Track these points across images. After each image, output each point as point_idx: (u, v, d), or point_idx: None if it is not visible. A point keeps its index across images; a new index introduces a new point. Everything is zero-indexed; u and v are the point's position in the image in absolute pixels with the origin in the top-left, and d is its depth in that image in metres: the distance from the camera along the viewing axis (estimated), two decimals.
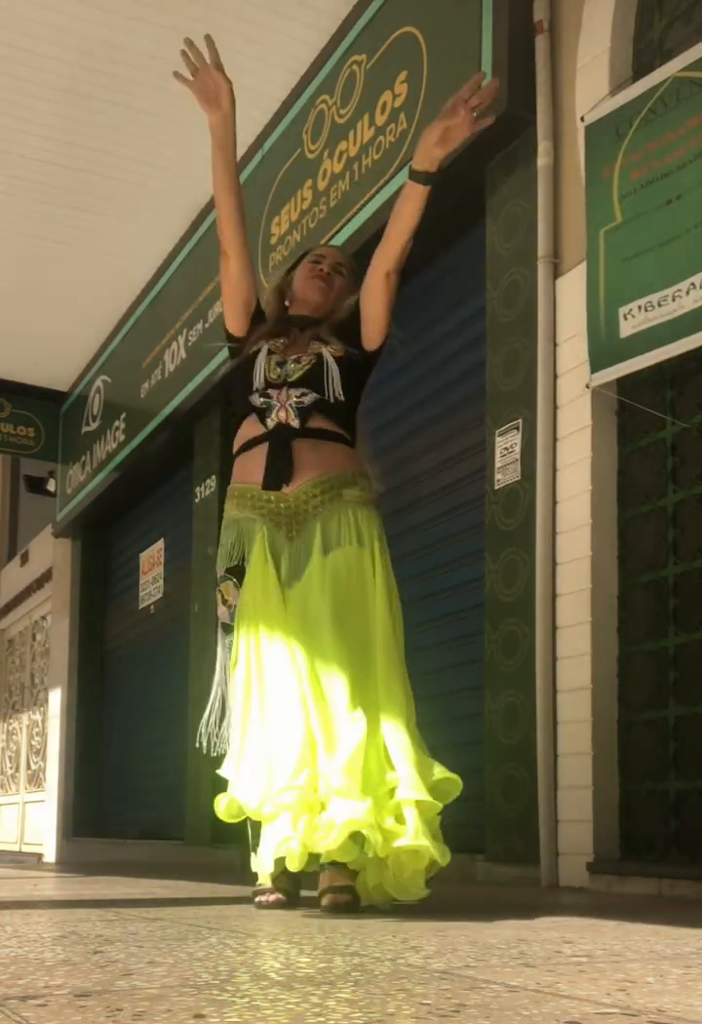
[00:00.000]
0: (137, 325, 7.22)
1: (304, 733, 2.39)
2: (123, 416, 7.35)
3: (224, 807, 2.49)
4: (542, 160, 3.67)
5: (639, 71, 3.45)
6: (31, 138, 5.50)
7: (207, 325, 6.03)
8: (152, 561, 7.54)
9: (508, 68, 3.70)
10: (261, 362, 2.70)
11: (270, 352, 2.72)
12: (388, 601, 2.61)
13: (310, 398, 2.65)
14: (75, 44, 4.86)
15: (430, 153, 2.63)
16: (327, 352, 2.70)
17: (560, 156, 3.66)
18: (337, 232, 4.66)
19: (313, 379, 2.67)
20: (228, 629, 2.72)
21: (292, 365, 2.69)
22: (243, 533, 2.67)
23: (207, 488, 6.18)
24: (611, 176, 3.34)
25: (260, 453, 2.67)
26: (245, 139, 5.59)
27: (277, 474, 2.63)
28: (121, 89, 5.17)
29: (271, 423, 2.65)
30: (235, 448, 2.77)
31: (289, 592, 2.58)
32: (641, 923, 2.04)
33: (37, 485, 9.07)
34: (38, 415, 8.74)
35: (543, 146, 3.67)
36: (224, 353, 5.72)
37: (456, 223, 4.37)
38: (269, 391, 2.67)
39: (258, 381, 2.69)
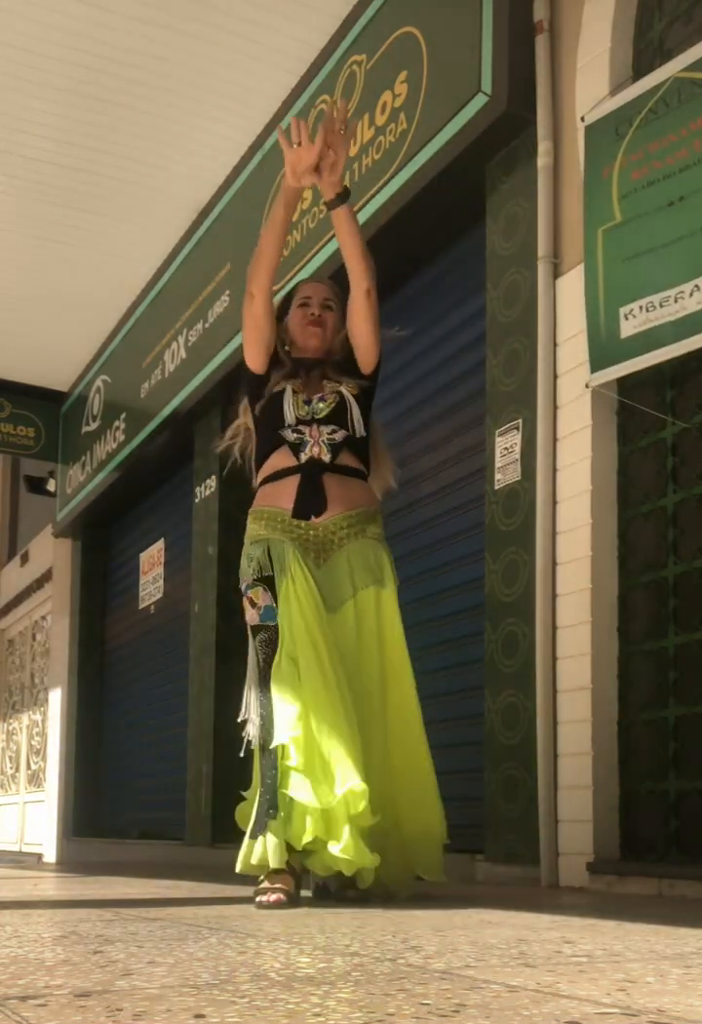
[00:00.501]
0: (137, 325, 7.22)
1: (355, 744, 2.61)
2: (123, 416, 7.35)
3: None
4: (542, 160, 3.67)
5: (639, 71, 3.45)
6: (31, 138, 5.50)
7: (207, 325, 6.03)
8: (152, 561, 7.54)
9: (508, 68, 3.70)
10: (288, 400, 2.89)
11: (294, 392, 2.92)
12: (403, 638, 2.87)
13: (341, 435, 2.88)
14: (75, 44, 4.86)
15: (325, 183, 2.92)
16: (346, 391, 2.92)
17: (560, 156, 3.66)
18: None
19: (339, 417, 2.89)
20: (256, 630, 2.83)
21: (318, 404, 2.90)
22: (273, 550, 2.83)
23: (207, 488, 6.18)
24: (611, 176, 3.34)
25: (291, 484, 2.86)
26: (245, 139, 5.59)
27: (308, 505, 2.84)
28: (121, 89, 5.17)
29: (304, 457, 2.86)
30: (262, 476, 2.95)
31: (325, 614, 2.77)
32: (641, 923, 2.04)
33: (37, 485, 9.07)
34: (38, 415, 8.74)
35: (543, 146, 3.67)
36: (224, 353, 5.76)
37: (456, 223, 4.38)
38: (300, 427, 2.87)
39: (289, 418, 2.88)
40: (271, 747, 2.65)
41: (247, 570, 2.88)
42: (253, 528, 2.92)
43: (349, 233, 2.92)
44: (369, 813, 2.52)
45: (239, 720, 2.85)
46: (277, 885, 2.60)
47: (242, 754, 2.83)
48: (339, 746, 2.57)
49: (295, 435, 2.86)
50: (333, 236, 4.65)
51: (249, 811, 2.76)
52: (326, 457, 2.85)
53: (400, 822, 2.77)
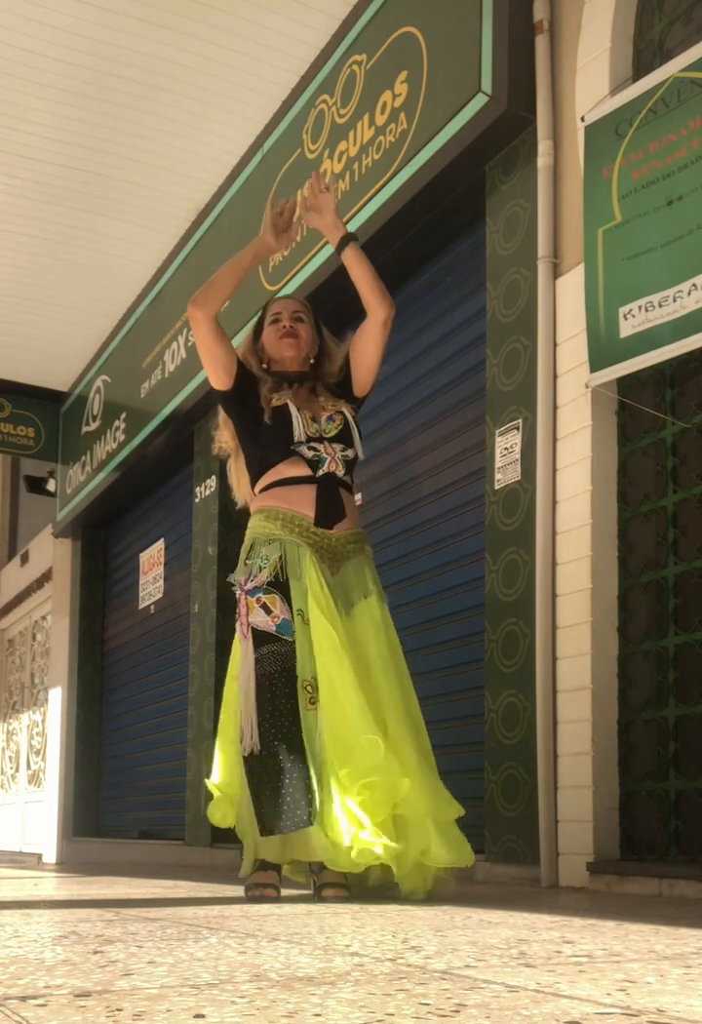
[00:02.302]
0: (137, 325, 7.22)
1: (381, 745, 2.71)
2: (123, 416, 7.35)
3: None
4: (542, 160, 3.67)
5: (639, 71, 3.45)
6: (31, 138, 5.50)
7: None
8: (152, 561, 7.54)
9: (508, 68, 3.70)
10: (296, 417, 2.99)
11: (299, 409, 3.01)
12: (404, 663, 2.98)
13: (351, 453, 3.03)
14: (75, 44, 4.86)
15: (326, 230, 3.14)
16: (347, 412, 3.04)
17: (560, 156, 3.66)
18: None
19: (345, 437, 3.03)
20: (264, 638, 2.85)
21: (327, 424, 3.01)
22: (289, 553, 2.91)
23: (207, 488, 6.18)
24: (610, 176, 3.34)
25: (307, 492, 2.96)
26: (245, 139, 5.59)
27: (329, 516, 2.95)
28: (121, 89, 5.17)
29: (322, 471, 2.97)
30: (268, 481, 3.02)
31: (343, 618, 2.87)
32: (641, 923, 2.04)
33: (37, 485, 9.06)
34: (38, 415, 8.74)
35: (543, 146, 3.67)
36: None
37: (456, 223, 4.38)
38: (315, 445, 2.98)
39: (300, 434, 2.97)
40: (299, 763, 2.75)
41: (259, 569, 2.90)
42: (267, 526, 2.95)
43: (360, 270, 3.07)
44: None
45: (245, 736, 2.86)
46: (270, 881, 2.77)
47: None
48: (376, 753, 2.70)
49: (312, 452, 2.97)
50: (324, 244, 4.66)
51: (231, 810, 2.89)
52: (341, 472, 3.00)
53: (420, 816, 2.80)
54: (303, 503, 2.94)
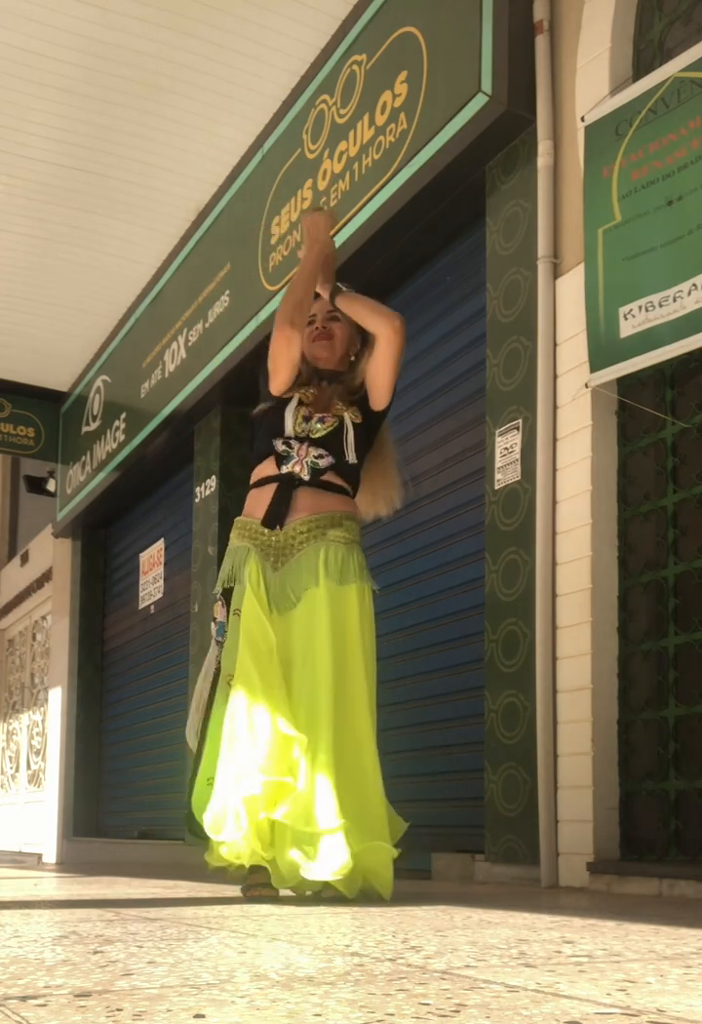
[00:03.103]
0: (137, 325, 7.22)
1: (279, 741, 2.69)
2: (123, 416, 7.35)
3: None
4: (542, 160, 3.67)
5: (639, 71, 3.45)
6: (31, 138, 5.50)
7: (207, 325, 6.03)
8: (152, 561, 7.54)
9: (508, 68, 3.70)
10: (290, 413, 2.98)
11: (300, 403, 3.00)
12: (361, 636, 2.85)
13: (326, 461, 2.96)
14: (75, 44, 4.86)
15: (326, 281, 3.12)
16: (348, 418, 3.00)
17: (560, 156, 3.66)
18: (337, 232, 4.66)
19: (332, 441, 2.97)
20: (216, 641, 2.99)
21: (317, 424, 2.98)
22: (237, 559, 2.96)
23: (207, 488, 6.18)
24: (610, 176, 3.34)
25: (268, 493, 2.96)
26: (245, 139, 5.59)
27: (274, 516, 2.93)
28: (121, 89, 5.17)
29: (284, 470, 2.94)
30: (252, 480, 3.05)
31: (275, 616, 2.86)
32: (641, 923, 2.04)
33: (37, 485, 9.06)
34: (38, 415, 8.74)
35: (543, 146, 3.67)
36: (224, 354, 5.76)
37: (456, 223, 4.38)
38: (291, 442, 2.96)
39: (288, 429, 2.97)
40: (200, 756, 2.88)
41: (218, 581, 3.03)
42: (231, 536, 3.06)
43: (355, 306, 3.08)
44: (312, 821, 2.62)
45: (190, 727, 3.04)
46: (265, 881, 2.76)
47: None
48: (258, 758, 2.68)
49: (283, 447, 2.95)
50: (333, 237, 4.66)
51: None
52: (305, 476, 2.94)
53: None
54: (259, 506, 2.97)
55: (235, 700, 2.76)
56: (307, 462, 2.94)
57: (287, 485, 2.94)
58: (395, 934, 1.85)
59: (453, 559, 4.36)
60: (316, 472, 2.94)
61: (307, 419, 2.98)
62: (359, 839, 2.62)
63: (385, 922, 2.10)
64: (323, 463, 2.95)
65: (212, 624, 3.03)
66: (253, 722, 2.70)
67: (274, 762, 2.66)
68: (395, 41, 4.38)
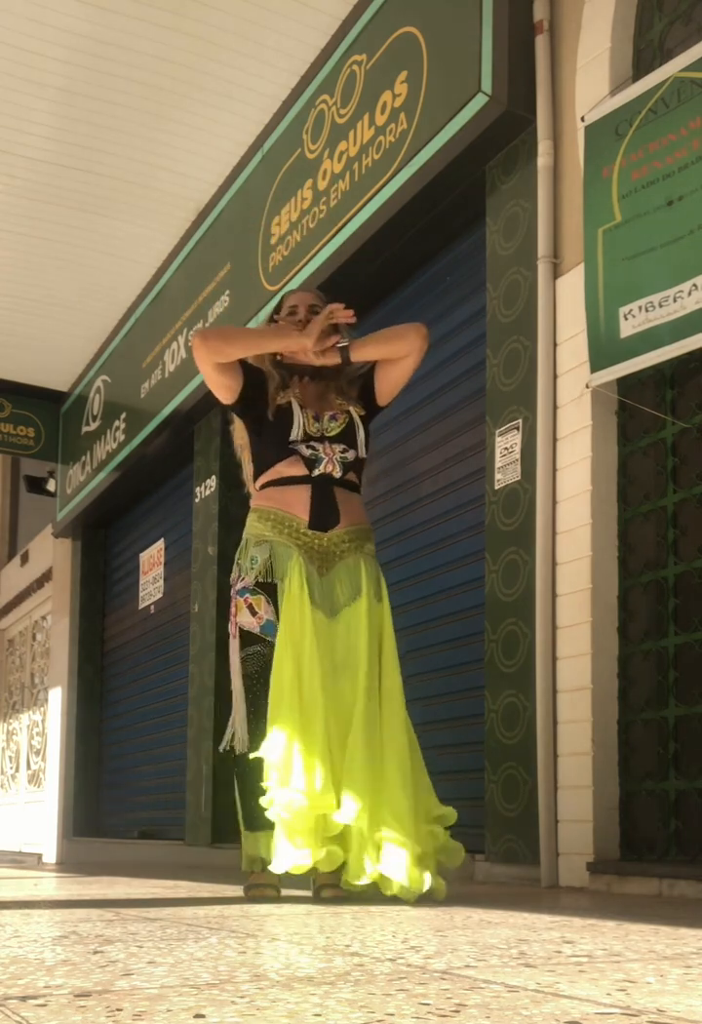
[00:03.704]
0: (137, 325, 7.22)
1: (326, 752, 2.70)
2: (123, 416, 7.35)
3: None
4: (542, 160, 3.67)
5: (639, 71, 3.45)
6: (31, 138, 5.50)
7: (207, 325, 6.03)
8: (152, 561, 7.54)
9: (508, 68, 3.70)
10: (298, 415, 2.96)
11: (302, 406, 2.96)
12: (395, 651, 2.93)
13: (351, 454, 2.99)
14: (75, 44, 4.86)
15: (327, 358, 3.02)
16: (354, 412, 3.02)
17: (560, 156, 3.66)
18: (337, 232, 4.67)
19: (348, 436, 2.99)
20: (250, 639, 2.91)
21: (330, 422, 2.99)
22: (277, 555, 2.91)
23: (207, 488, 6.18)
24: (610, 176, 3.34)
25: (302, 493, 2.94)
26: (245, 139, 5.59)
27: (325, 518, 2.93)
28: (121, 89, 5.17)
29: (317, 472, 2.94)
30: (266, 480, 3.01)
31: (323, 620, 2.85)
32: (641, 923, 2.04)
33: (37, 485, 9.06)
34: (38, 415, 8.73)
35: (543, 146, 3.67)
36: None
37: (456, 223, 4.38)
38: (313, 443, 2.95)
39: (297, 432, 2.95)
40: (250, 757, 2.79)
41: (248, 570, 2.93)
42: (259, 527, 2.96)
43: (369, 349, 3.04)
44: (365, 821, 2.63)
45: (231, 733, 2.95)
46: (270, 881, 2.81)
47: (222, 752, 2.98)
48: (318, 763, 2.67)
49: (310, 451, 2.95)
50: (333, 236, 4.66)
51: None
52: (338, 473, 2.96)
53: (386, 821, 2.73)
54: (297, 504, 2.93)
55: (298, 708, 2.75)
56: (336, 459, 2.96)
57: (324, 487, 2.94)
58: (395, 934, 1.86)
59: (453, 559, 4.37)
60: (345, 469, 2.97)
61: (317, 418, 2.98)
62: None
63: (385, 922, 2.10)
64: (350, 457, 2.98)
65: (230, 622, 2.97)
66: (315, 733, 2.70)
67: (324, 784, 2.66)
68: (395, 41, 4.38)
